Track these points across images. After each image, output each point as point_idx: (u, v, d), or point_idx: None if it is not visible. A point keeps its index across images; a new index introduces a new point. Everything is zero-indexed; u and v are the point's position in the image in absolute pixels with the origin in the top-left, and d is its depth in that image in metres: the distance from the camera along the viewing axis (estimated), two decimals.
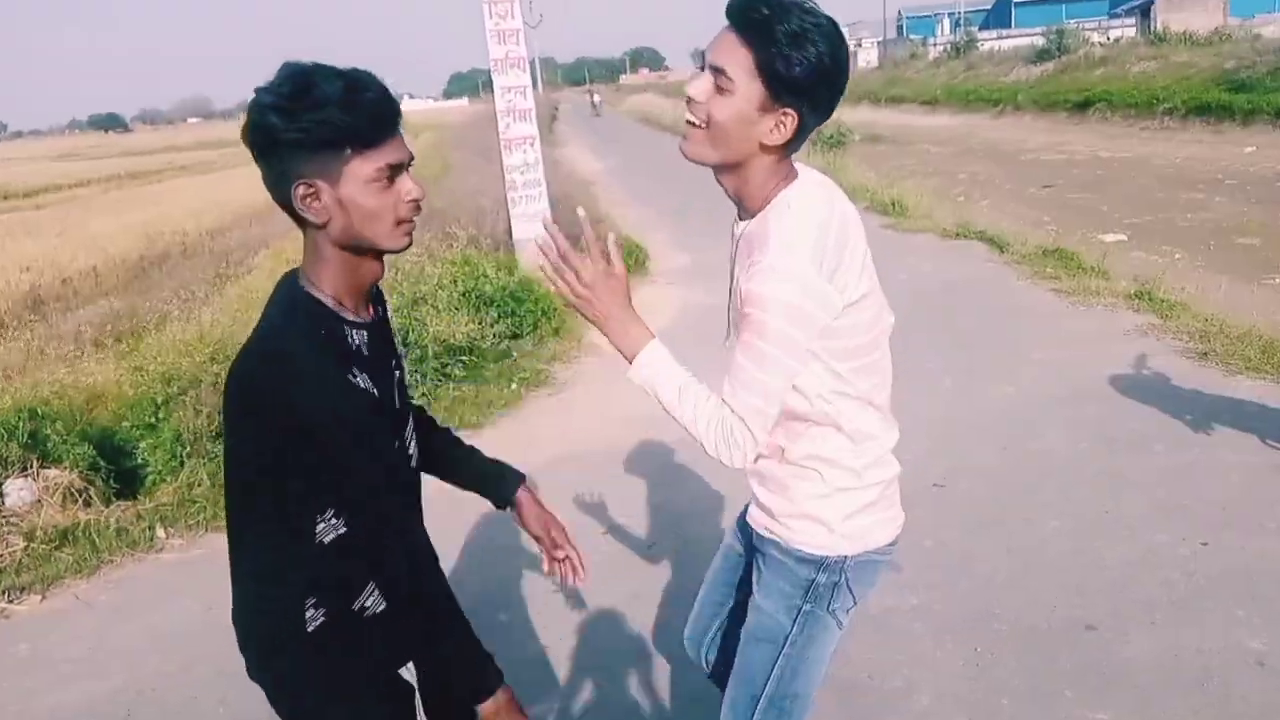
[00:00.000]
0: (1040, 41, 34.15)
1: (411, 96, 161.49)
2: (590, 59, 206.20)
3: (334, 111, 1.45)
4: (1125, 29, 37.11)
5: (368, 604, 1.71)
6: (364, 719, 1.78)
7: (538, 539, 2.03)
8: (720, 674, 2.23)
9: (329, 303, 1.59)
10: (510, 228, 8.73)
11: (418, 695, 1.93)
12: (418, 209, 1.60)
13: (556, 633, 3.61)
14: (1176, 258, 9.44)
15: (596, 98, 58.68)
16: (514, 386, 6.46)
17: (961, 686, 3.09)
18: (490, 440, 5.68)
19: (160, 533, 4.80)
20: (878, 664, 3.22)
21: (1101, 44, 32.47)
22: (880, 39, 58.85)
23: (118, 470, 5.29)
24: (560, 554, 2.01)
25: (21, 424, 5.12)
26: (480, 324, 7.14)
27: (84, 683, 3.63)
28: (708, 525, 4.30)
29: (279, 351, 1.54)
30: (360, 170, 1.50)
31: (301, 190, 1.51)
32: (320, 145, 1.47)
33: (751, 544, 2.09)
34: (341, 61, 1.51)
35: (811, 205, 1.76)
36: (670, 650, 3.38)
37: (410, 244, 1.63)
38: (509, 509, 2.04)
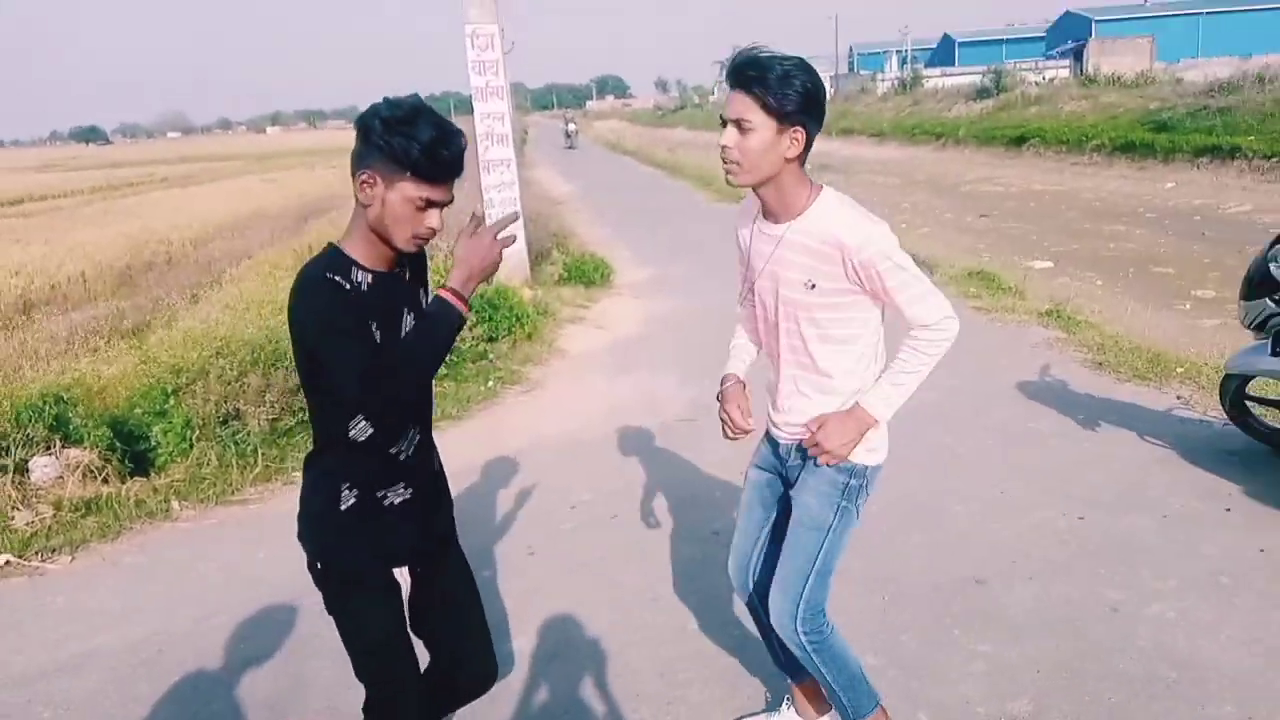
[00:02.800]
0: (981, 80, 35.07)
1: None
2: (559, 85, 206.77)
3: (415, 147, 1.91)
4: (1059, 70, 38.18)
5: (389, 495, 2.18)
6: (373, 604, 2.25)
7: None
8: (763, 589, 2.71)
9: (347, 251, 2.05)
10: None
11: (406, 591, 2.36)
12: (433, 234, 2.06)
13: (530, 584, 4.06)
14: (1098, 284, 10.00)
15: (571, 126, 46.00)
16: (490, 384, 6.90)
17: (871, 627, 3.57)
18: (469, 429, 6.14)
19: (175, 504, 5.18)
20: None
21: (1037, 84, 33.38)
22: (833, 74, 59.90)
23: (132, 452, 5.65)
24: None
25: (47, 408, 5.47)
26: None
27: (118, 629, 4.00)
28: (662, 498, 4.78)
29: (297, 283, 2.01)
30: (407, 190, 1.97)
31: (364, 177, 1.98)
32: (392, 159, 1.93)
33: (784, 460, 2.61)
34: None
35: (846, 197, 2.38)
36: (636, 601, 3.85)
37: (416, 251, 2.12)
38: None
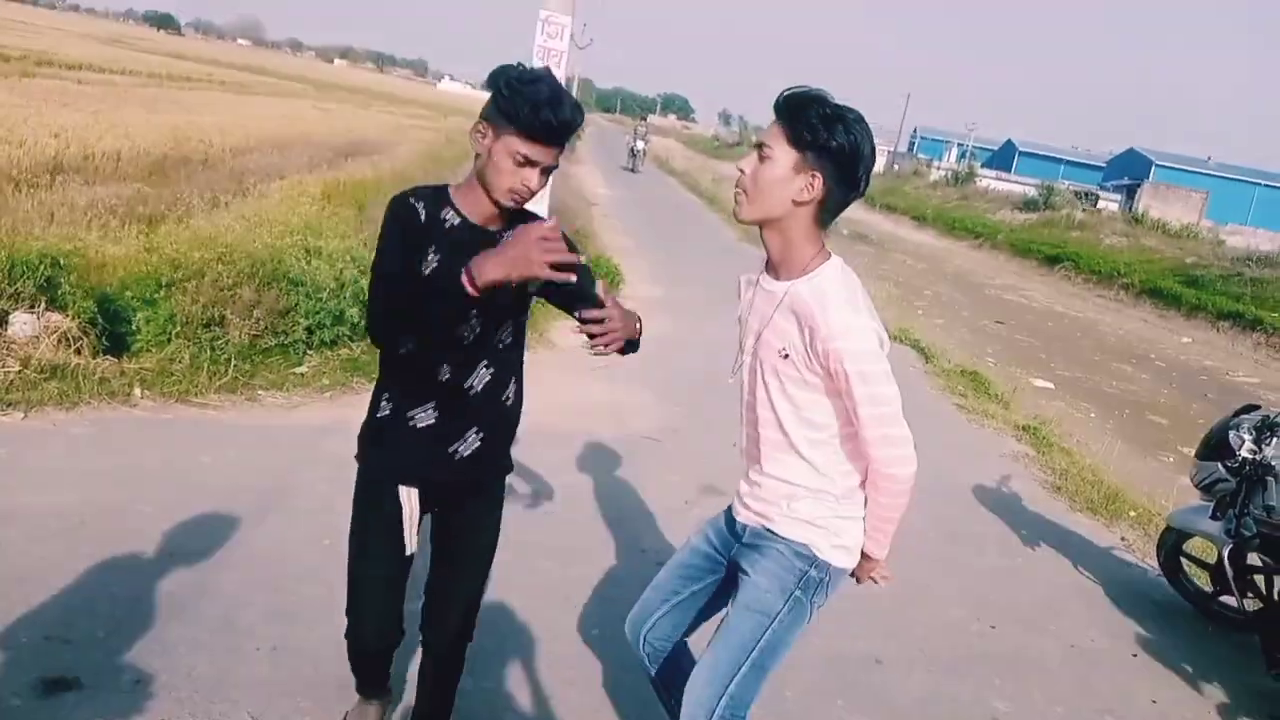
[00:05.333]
0: (1031, 192, 35.27)
1: (452, 78, 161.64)
2: (626, 91, 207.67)
3: (526, 104, 2.03)
4: (1110, 202, 38.40)
5: (416, 417, 2.28)
6: (366, 516, 2.40)
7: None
8: (653, 649, 2.57)
9: (451, 193, 2.21)
10: None
11: (413, 521, 2.38)
12: (530, 193, 2.15)
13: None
14: (1091, 415, 10.10)
15: (641, 144, 33.70)
16: None
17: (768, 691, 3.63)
18: None
19: (137, 391, 5.25)
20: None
21: (1084, 210, 33.61)
22: (892, 149, 60.21)
23: (112, 332, 5.72)
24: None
25: (43, 267, 5.55)
26: None
27: (47, 492, 4.07)
28: (602, 506, 4.85)
29: (401, 192, 2.21)
30: (510, 144, 2.09)
31: (481, 127, 2.13)
32: (503, 112, 2.07)
33: (739, 537, 2.41)
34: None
35: (851, 276, 2.21)
36: (605, 589, 3.92)
37: (515, 206, 2.17)
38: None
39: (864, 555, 2.36)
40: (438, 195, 2.21)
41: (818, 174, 2.09)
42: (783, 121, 2.11)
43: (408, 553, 2.41)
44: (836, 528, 2.30)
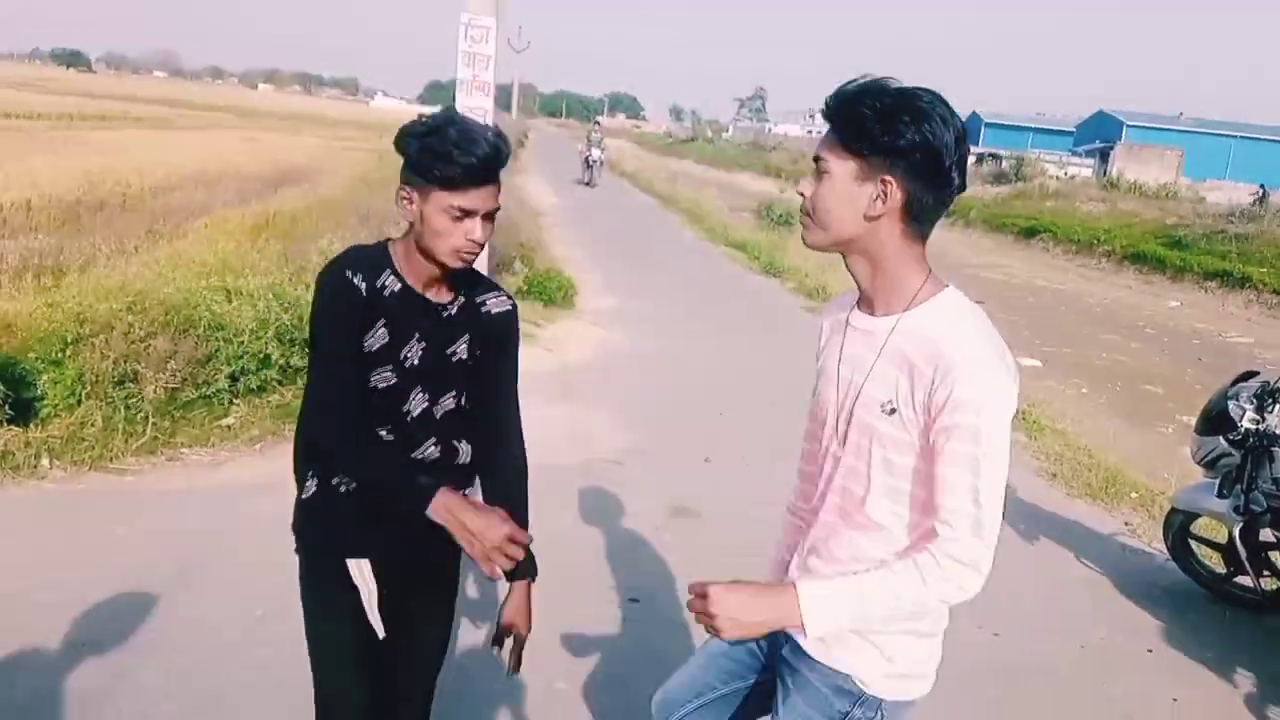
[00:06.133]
0: (1001, 164, 35.58)
1: (385, 95, 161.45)
2: (571, 93, 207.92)
3: (437, 158, 1.94)
4: (1083, 168, 38.82)
5: (341, 483, 2.15)
6: (320, 596, 2.24)
7: (507, 625, 2.25)
8: None
9: (392, 252, 2.11)
10: None
11: (373, 599, 2.21)
12: (478, 247, 2.04)
13: None
14: (1083, 391, 10.07)
15: (597, 152, 30.32)
16: None
17: None
18: None
19: (45, 462, 5.03)
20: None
21: (1057, 178, 33.93)
22: None
23: (16, 399, 5.49)
24: (508, 650, 2.29)
25: None
26: None
27: None
28: (576, 546, 4.68)
29: (325, 266, 2.10)
30: (440, 201, 1.98)
31: (403, 194, 2.03)
32: (420, 172, 1.98)
33: (778, 642, 2.00)
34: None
35: (984, 319, 1.79)
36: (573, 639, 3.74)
37: (465, 266, 2.07)
38: (507, 582, 2.25)
39: (790, 592, 1.76)
40: (376, 260, 2.10)
41: (889, 178, 1.73)
42: (835, 127, 1.78)
43: (380, 636, 2.25)
44: (894, 649, 1.87)
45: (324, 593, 2.23)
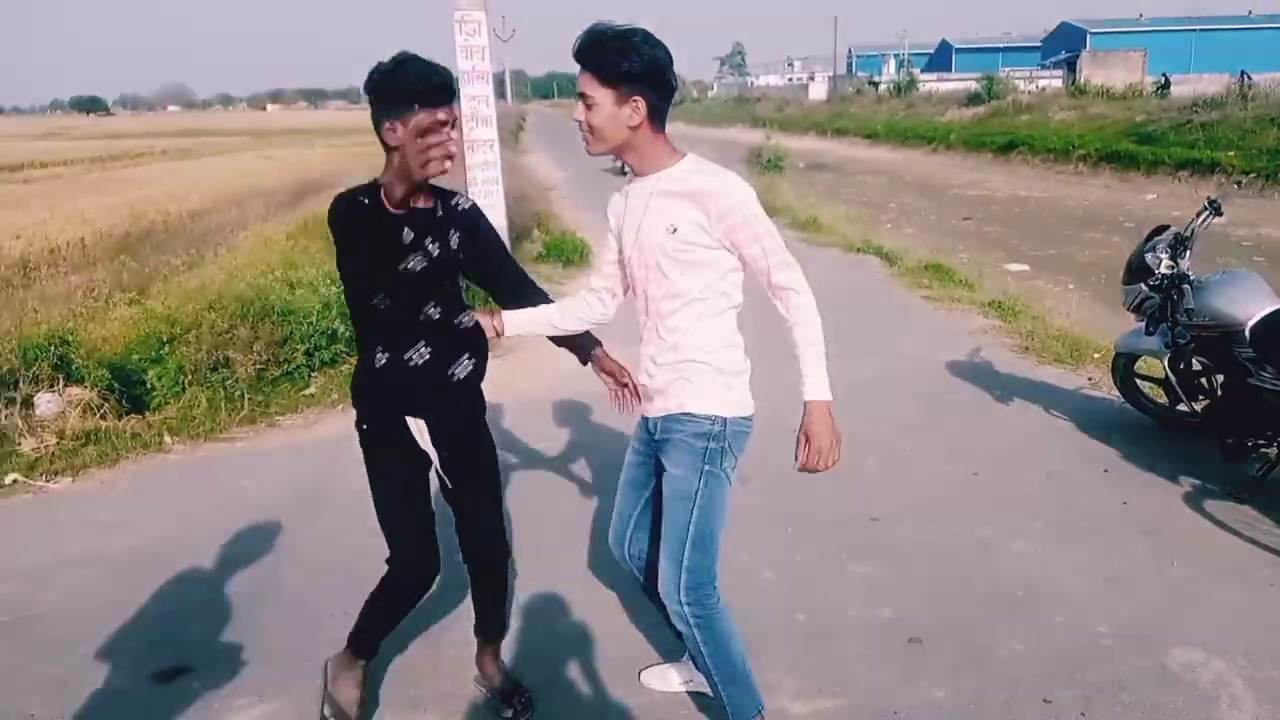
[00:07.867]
0: (974, 86, 35.60)
1: None
2: (560, 73, 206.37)
3: (414, 81, 2.32)
4: (1052, 80, 38.72)
5: (412, 357, 2.64)
6: (387, 459, 2.72)
7: (610, 374, 2.91)
8: (639, 562, 2.87)
9: (385, 189, 2.25)
10: None
11: (424, 432, 2.70)
12: (449, 155, 2.19)
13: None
14: (1070, 287, 10.51)
15: None
16: None
17: (772, 552, 4.11)
18: None
19: (167, 438, 5.71)
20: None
21: (1029, 93, 33.93)
22: (831, 74, 60.35)
23: (128, 394, 6.16)
24: (625, 383, 2.83)
25: (53, 348, 5.99)
26: None
27: (116, 537, 4.52)
28: (616, 445, 5.31)
29: (335, 199, 2.44)
30: (420, 121, 2.26)
31: (387, 126, 2.34)
32: (399, 100, 2.32)
33: (653, 436, 2.64)
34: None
35: (710, 161, 2.51)
36: (595, 525, 4.39)
37: (445, 174, 2.29)
38: (590, 363, 2.96)
39: (811, 407, 2.53)
40: (370, 190, 2.36)
41: (638, 97, 2.37)
42: (588, 70, 2.38)
43: (433, 468, 2.77)
44: (729, 386, 2.56)
45: (386, 446, 2.69)
